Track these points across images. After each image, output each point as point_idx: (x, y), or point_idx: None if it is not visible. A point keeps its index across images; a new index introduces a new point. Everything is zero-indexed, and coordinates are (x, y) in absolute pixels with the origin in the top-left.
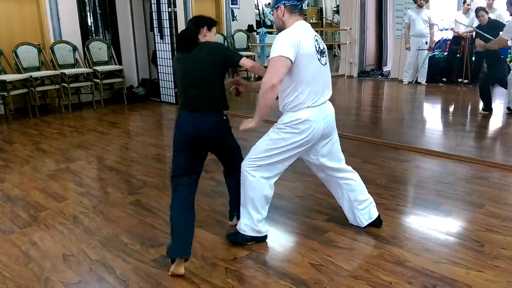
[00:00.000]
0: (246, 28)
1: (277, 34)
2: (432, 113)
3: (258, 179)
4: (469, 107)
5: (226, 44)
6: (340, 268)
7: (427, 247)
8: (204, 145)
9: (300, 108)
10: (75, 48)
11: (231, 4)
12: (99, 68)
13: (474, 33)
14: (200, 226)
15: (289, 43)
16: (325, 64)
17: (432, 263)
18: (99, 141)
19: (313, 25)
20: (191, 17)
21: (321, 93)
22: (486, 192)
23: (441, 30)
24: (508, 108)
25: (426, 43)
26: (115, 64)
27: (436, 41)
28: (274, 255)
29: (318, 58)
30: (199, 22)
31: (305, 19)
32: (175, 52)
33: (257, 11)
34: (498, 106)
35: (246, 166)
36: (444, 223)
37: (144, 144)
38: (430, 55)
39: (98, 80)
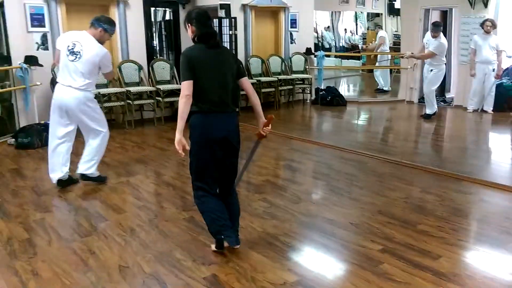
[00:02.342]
0: (304, 51)
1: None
2: (498, 144)
3: None
4: None
5: (284, 67)
6: None
7: (491, 287)
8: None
9: None
10: (140, 67)
11: (290, 28)
12: (162, 86)
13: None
14: (251, 247)
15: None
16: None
17: None
18: (158, 156)
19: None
20: (250, 40)
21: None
22: None
23: (510, 57)
24: None
25: (493, 70)
26: (177, 84)
27: (504, 68)
28: (326, 283)
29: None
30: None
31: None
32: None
33: (315, 34)
34: None
35: None
36: (510, 263)
37: None
38: (498, 83)
39: (160, 98)
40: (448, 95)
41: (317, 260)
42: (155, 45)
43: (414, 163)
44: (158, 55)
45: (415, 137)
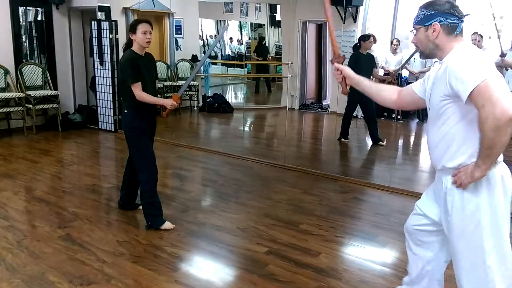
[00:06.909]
0: (190, 58)
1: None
2: (369, 147)
3: None
4: (402, 141)
5: (170, 73)
6: None
7: (364, 278)
8: None
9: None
10: (6, 71)
11: (175, 34)
12: (32, 92)
13: (402, 71)
14: (136, 261)
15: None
16: None
17: None
18: (28, 170)
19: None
20: None
21: None
22: None
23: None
24: None
25: None
26: (50, 89)
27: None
28: None
29: None
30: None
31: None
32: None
33: (201, 41)
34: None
35: None
36: (380, 254)
37: (78, 174)
38: None
39: (31, 105)
40: (324, 102)
41: (205, 268)
42: (24, 48)
43: (296, 166)
44: (28, 58)
45: (296, 141)
